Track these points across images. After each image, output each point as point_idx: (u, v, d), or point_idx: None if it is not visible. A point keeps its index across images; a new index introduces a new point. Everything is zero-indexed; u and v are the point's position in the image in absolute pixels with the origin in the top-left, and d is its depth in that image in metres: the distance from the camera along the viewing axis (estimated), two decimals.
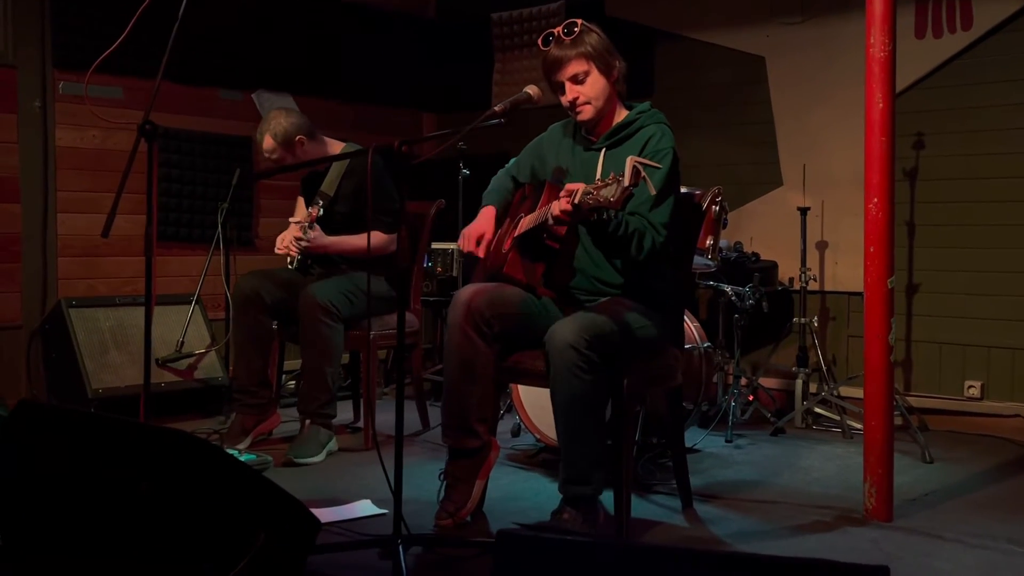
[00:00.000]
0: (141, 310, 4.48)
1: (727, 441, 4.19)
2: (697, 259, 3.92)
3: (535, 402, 3.70)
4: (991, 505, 3.33)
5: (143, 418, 2.83)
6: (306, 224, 3.93)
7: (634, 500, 3.07)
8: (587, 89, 2.93)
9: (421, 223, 4.27)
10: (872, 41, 3.08)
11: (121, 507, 2.13)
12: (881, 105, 3.08)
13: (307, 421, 3.89)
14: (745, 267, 4.63)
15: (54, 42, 4.57)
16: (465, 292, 2.96)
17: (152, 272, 2.68)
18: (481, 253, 3.06)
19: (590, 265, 3.00)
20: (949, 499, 3.39)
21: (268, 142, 3.95)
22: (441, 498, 2.97)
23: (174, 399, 4.53)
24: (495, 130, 2.81)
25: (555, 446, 3.61)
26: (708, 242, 3.94)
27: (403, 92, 6.10)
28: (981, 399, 4.45)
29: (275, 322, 4.04)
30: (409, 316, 4.15)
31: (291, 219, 4.11)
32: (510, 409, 4.12)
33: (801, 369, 4.58)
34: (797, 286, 4.61)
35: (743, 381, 4.51)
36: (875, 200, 3.09)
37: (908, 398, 4.55)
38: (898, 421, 3.81)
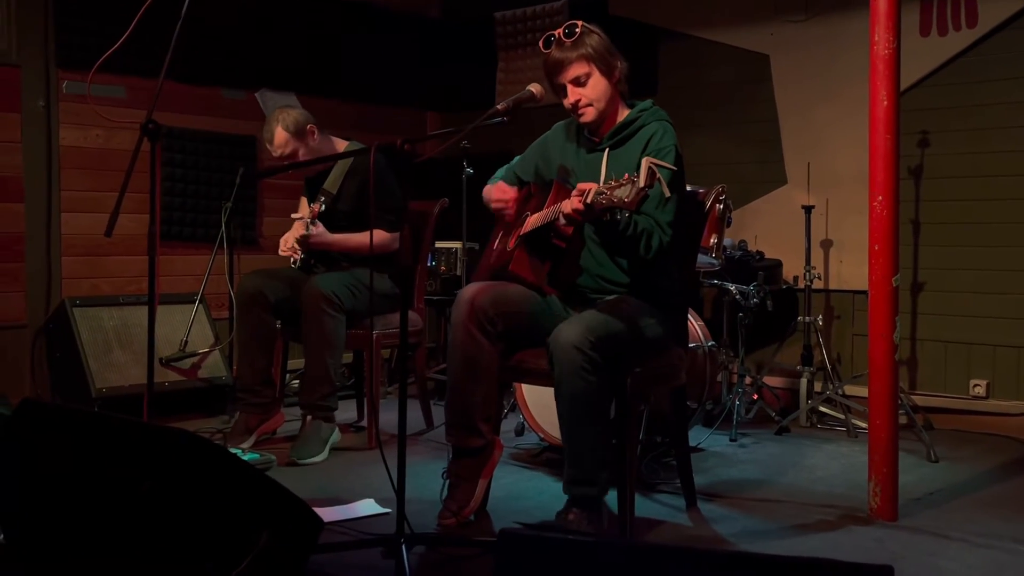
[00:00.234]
0: (145, 309, 4.49)
1: (731, 440, 4.18)
2: (701, 258, 3.92)
3: (539, 401, 3.70)
4: (996, 504, 3.31)
5: (146, 417, 2.83)
6: (308, 220, 3.93)
7: (638, 499, 3.07)
8: (589, 91, 2.93)
9: (424, 222, 4.27)
10: (876, 39, 3.07)
11: (124, 506, 2.13)
12: (886, 103, 3.07)
13: (308, 418, 3.89)
14: (749, 265, 4.62)
15: (58, 41, 4.58)
16: (469, 290, 2.95)
17: (155, 271, 2.68)
18: (512, 193, 3.10)
19: (594, 264, 3.00)
20: (954, 498, 3.38)
21: (280, 135, 3.94)
22: (444, 497, 2.97)
23: (178, 398, 4.53)
24: (498, 128, 2.81)
25: (559, 445, 3.61)
26: (712, 240, 3.94)
27: (406, 91, 6.10)
28: (986, 398, 4.44)
29: (278, 321, 4.04)
30: (412, 315, 4.15)
31: (293, 215, 4.12)
32: (514, 408, 4.12)
33: (806, 368, 4.57)
34: (802, 284, 4.60)
35: (747, 380, 4.50)
36: (880, 198, 3.08)
37: (913, 397, 4.54)
38: (903, 420, 3.80)
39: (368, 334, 3.95)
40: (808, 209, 4.57)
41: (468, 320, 2.89)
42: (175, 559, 2.09)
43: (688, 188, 3.18)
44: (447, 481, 3.00)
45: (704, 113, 5.15)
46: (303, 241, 3.95)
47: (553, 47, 2.94)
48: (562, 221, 2.75)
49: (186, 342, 4.58)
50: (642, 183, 2.45)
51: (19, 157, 4.51)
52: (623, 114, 3.02)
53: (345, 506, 3.13)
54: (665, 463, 3.69)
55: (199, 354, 4.63)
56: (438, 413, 4.19)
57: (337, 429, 3.93)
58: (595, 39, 2.92)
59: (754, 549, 2.85)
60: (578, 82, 2.92)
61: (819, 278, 4.67)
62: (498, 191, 3.15)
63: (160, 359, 4.47)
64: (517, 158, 3.29)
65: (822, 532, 3.00)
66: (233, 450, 3.69)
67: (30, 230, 4.55)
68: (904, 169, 4.45)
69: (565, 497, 2.83)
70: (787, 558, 1.59)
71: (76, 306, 4.45)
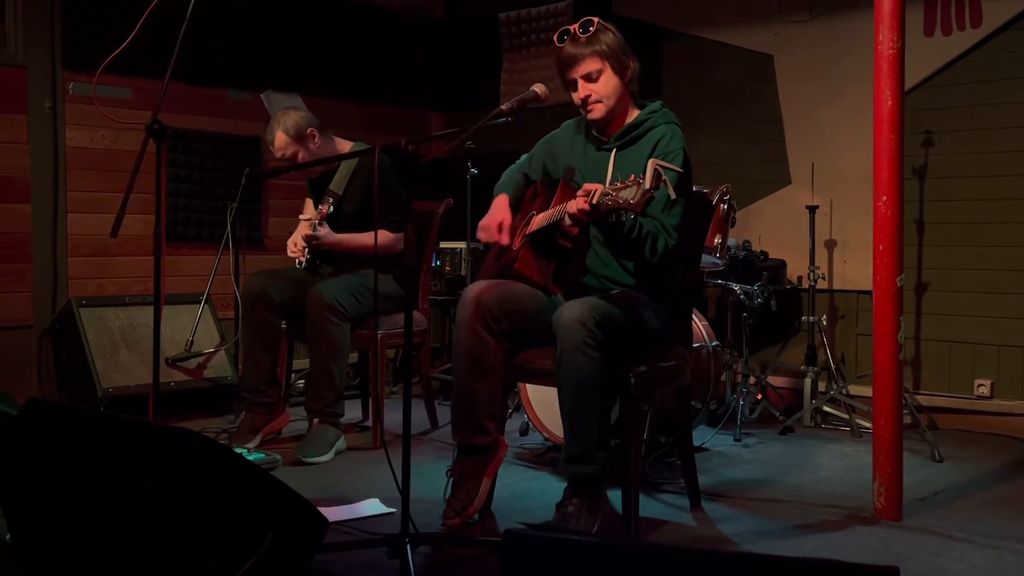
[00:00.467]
0: (151, 309, 4.45)
1: (735, 440, 4.18)
2: (705, 258, 3.92)
3: (543, 401, 3.70)
4: (1001, 504, 3.31)
5: (152, 417, 2.84)
6: (316, 221, 3.95)
7: (642, 499, 3.07)
8: (600, 88, 2.92)
9: (429, 222, 4.27)
10: (881, 38, 3.06)
11: (130, 506, 2.14)
12: (890, 103, 3.06)
13: (315, 420, 3.90)
14: (753, 266, 4.62)
15: (64, 43, 4.59)
16: (474, 288, 2.96)
17: (161, 272, 2.69)
18: (505, 240, 3.02)
19: (599, 264, 3.00)
20: (959, 498, 3.37)
21: (281, 138, 3.96)
22: (448, 496, 2.97)
23: (183, 398, 4.54)
24: (503, 128, 2.80)
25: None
26: (716, 241, 3.93)
27: (411, 92, 6.11)
28: (991, 398, 4.43)
29: (284, 321, 4.05)
30: (417, 315, 4.15)
31: (301, 216, 4.13)
32: (518, 408, 4.12)
33: (810, 368, 4.57)
34: (806, 284, 4.60)
35: (752, 380, 4.50)
36: (884, 198, 3.08)
37: (917, 396, 4.53)
38: (907, 420, 3.79)
39: (373, 334, 3.96)
40: (812, 209, 4.57)
41: (473, 318, 2.89)
42: (180, 559, 2.10)
43: (693, 188, 3.18)
44: (451, 479, 3.00)
45: (708, 113, 5.15)
46: (309, 242, 3.97)
47: (567, 42, 2.93)
48: (567, 221, 2.75)
49: (192, 342, 4.59)
50: (647, 185, 2.45)
51: (26, 158, 4.53)
52: (632, 115, 3.02)
53: (350, 506, 3.13)
54: (669, 463, 3.69)
55: (205, 354, 4.64)
56: (443, 413, 4.21)
57: (343, 437, 3.94)
58: (610, 36, 2.92)
59: (758, 549, 2.85)
60: (589, 78, 2.91)
61: (823, 278, 4.67)
62: (496, 228, 3.05)
63: (166, 359, 4.48)
64: (525, 156, 3.29)
65: (826, 532, 3.00)
66: (238, 450, 3.69)
67: (36, 231, 4.57)
68: (908, 169, 4.44)
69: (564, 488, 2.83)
70: (792, 559, 1.60)
71: (82, 306, 4.46)
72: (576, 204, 2.66)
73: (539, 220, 2.98)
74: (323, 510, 2.28)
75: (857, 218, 4.63)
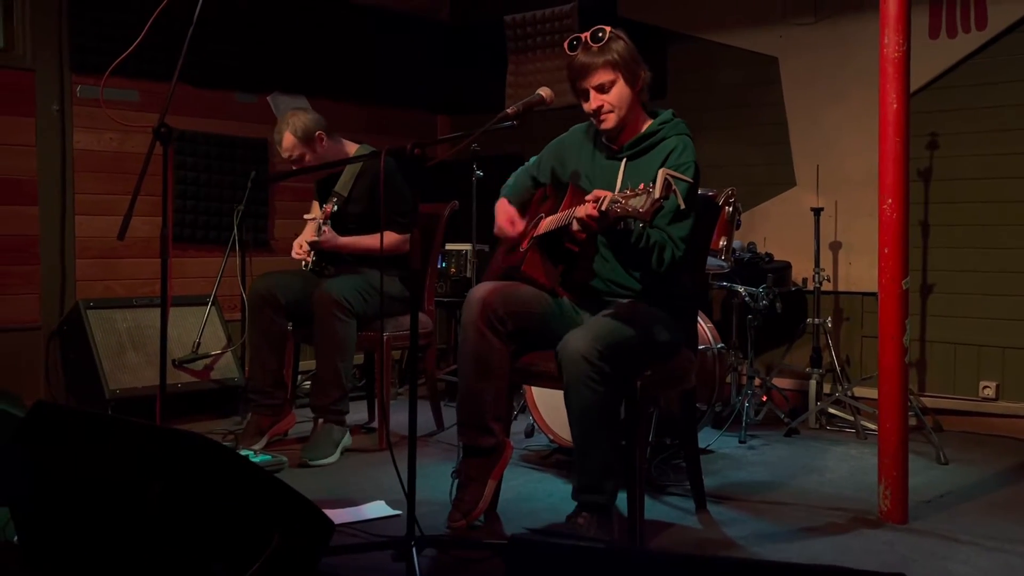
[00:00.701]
0: (158, 311, 4.51)
1: (740, 442, 4.18)
2: (710, 260, 3.91)
3: (549, 402, 3.70)
4: (1007, 507, 3.31)
5: (159, 419, 2.84)
6: (320, 220, 3.96)
7: (648, 501, 3.06)
8: (612, 98, 2.90)
9: (435, 224, 4.28)
10: (886, 41, 3.06)
11: (136, 508, 2.14)
12: (895, 106, 3.06)
13: (320, 420, 3.91)
14: (758, 267, 4.61)
15: (72, 46, 4.60)
16: (480, 290, 2.95)
17: (168, 273, 2.69)
18: (520, 226, 3.04)
19: (606, 269, 3.00)
20: (964, 501, 3.37)
21: (289, 139, 3.97)
22: (453, 497, 2.97)
23: (190, 400, 4.55)
24: (509, 131, 2.80)
25: (569, 447, 3.62)
26: (721, 243, 3.93)
27: (417, 94, 6.11)
28: (996, 400, 4.43)
29: (290, 323, 4.06)
30: (423, 317, 4.16)
31: (306, 215, 4.14)
32: (524, 410, 4.12)
33: (815, 370, 4.57)
34: (811, 286, 4.59)
35: (757, 382, 4.49)
36: (889, 201, 3.07)
37: (922, 398, 4.53)
38: (912, 422, 3.79)
39: (379, 336, 3.97)
40: (817, 211, 4.56)
41: (479, 319, 2.89)
42: (186, 561, 2.10)
43: (699, 191, 3.18)
44: (456, 481, 3.00)
45: (713, 115, 5.14)
46: (314, 245, 3.98)
47: (579, 51, 2.90)
48: (576, 227, 2.74)
49: (199, 344, 4.60)
50: (657, 194, 2.44)
51: (33, 161, 4.54)
52: (644, 124, 3.00)
53: (356, 508, 3.14)
54: (674, 465, 3.69)
55: (211, 356, 4.65)
56: (449, 414, 4.21)
57: (348, 432, 3.95)
58: (621, 46, 2.89)
59: (764, 552, 2.85)
60: (602, 89, 2.89)
61: (828, 280, 4.66)
62: (508, 223, 3.09)
63: (173, 361, 4.49)
64: (533, 159, 3.28)
65: (832, 535, 3.00)
66: (245, 452, 3.70)
67: (44, 233, 4.58)
68: (913, 171, 4.44)
69: (576, 504, 2.82)
70: (799, 565, 1.60)
71: (90, 308, 4.48)
72: (585, 210, 2.66)
73: (547, 223, 2.97)
74: (329, 512, 2.29)
75: (862, 220, 4.62)
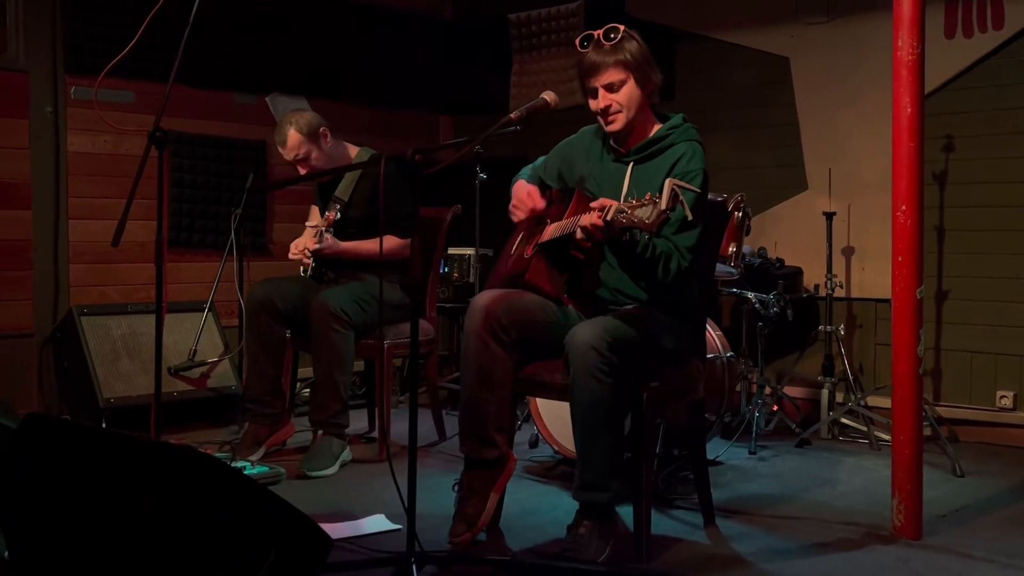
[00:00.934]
0: (153, 318, 4.41)
1: (751, 453, 4.10)
2: (719, 266, 3.86)
3: (553, 413, 3.64)
4: None
5: (154, 428, 2.79)
6: (322, 228, 3.90)
7: (654, 515, 3.01)
8: (621, 98, 2.84)
9: (437, 228, 4.22)
10: (900, 43, 2.98)
11: (129, 524, 2.10)
12: (909, 110, 2.98)
13: (319, 432, 3.84)
14: (769, 274, 4.55)
15: (66, 47, 4.54)
16: (483, 298, 2.91)
17: (163, 279, 2.65)
18: (540, 204, 2.95)
19: (613, 278, 2.94)
20: (981, 515, 3.30)
21: (294, 137, 3.93)
22: (455, 511, 2.91)
23: (186, 408, 4.49)
24: (512, 133, 2.74)
25: (573, 458, 3.53)
26: (731, 249, 3.88)
27: (419, 94, 6.04)
28: (1014, 409, 4.33)
29: (288, 330, 3.99)
30: (424, 324, 4.10)
31: (307, 223, 4.09)
32: (528, 420, 4.06)
33: (827, 378, 4.50)
34: (823, 293, 4.51)
35: (767, 391, 4.42)
36: (903, 208, 2.99)
37: (937, 408, 4.45)
38: (927, 432, 3.71)
39: (379, 344, 3.90)
40: (829, 216, 4.49)
41: (482, 328, 2.84)
42: None
43: (708, 196, 3.11)
44: (458, 493, 2.94)
45: (723, 117, 5.08)
46: (316, 253, 3.92)
47: (591, 48, 2.86)
48: (580, 235, 2.69)
49: (195, 351, 4.53)
50: (664, 205, 2.40)
51: (27, 163, 4.47)
52: (653, 128, 2.94)
53: (354, 522, 3.08)
54: (682, 477, 3.62)
55: (208, 363, 4.58)
56: (451, 423, 4.13)
57: (348, 448, 3.89)
58: (634, 46, 2.84)
59: (774, 569, 2.79)
60: (611, 88, 2.84)
61: (840, 286, 4.59)
62: (527, 196, 3.00)
63: (168, 368, 4.42)
64: (541, 159, 3.23)
65: (844, 551, 2.92)
66: (242, 462, 3.65)
67: (38, 237, 4.51)
68: (928, 174, 4.36)
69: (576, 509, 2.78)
70: None
71: (84, 314, 4.41)
72: (589, 219, 2.61)
73: (552, 230, 2.93)
74: (327, 527, 2.26)
75: (876, 225, 4.54)
